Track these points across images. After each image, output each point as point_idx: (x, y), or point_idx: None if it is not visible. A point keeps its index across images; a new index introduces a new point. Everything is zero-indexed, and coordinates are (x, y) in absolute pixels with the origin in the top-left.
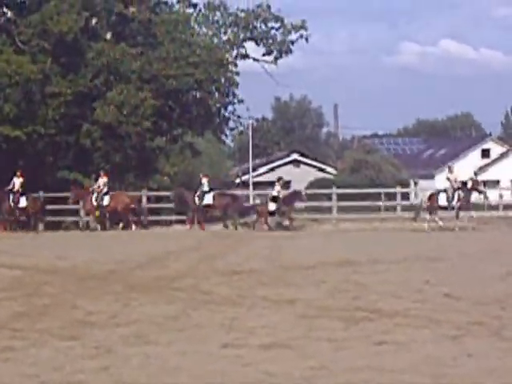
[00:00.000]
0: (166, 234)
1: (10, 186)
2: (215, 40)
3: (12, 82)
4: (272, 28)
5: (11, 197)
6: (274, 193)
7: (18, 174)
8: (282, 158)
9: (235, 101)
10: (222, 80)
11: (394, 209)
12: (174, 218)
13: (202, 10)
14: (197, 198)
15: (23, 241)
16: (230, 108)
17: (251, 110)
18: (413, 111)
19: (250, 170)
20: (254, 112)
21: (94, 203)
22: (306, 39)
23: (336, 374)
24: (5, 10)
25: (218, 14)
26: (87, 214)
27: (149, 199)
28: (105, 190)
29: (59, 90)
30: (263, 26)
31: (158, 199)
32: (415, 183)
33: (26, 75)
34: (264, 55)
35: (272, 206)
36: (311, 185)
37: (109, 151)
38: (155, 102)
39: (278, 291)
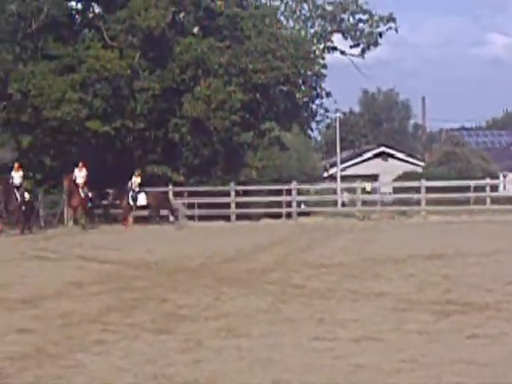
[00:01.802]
0: (254, 228)
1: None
2: (302, 33)
3: (101, 78)
4: (360, 20)
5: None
6: None
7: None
8: (369, 151)
9: (322, 94)
10: (309, 73)
11: (483, 201)
12: (262, 211)
13: (289, 3)
14: (131, 199)
15: (113, 235)
16: (317, 101)
17: (338, 103)
18: (501, 103)
19: (338, 163)
20: (341, 105)
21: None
22: (396, 30)
23: (427, 367)
24: (93, 5)
25: (305, 6)
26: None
27: (238, 193)
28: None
29: (147, 85)
30: (351, 19)
31: (246, 193)
32: (504, 176)
33: (114, 70)
34: (351, 48)
35: None
36: (400, 178)
37: (197, 145)
38: (243, 96)
39: (367, 284)
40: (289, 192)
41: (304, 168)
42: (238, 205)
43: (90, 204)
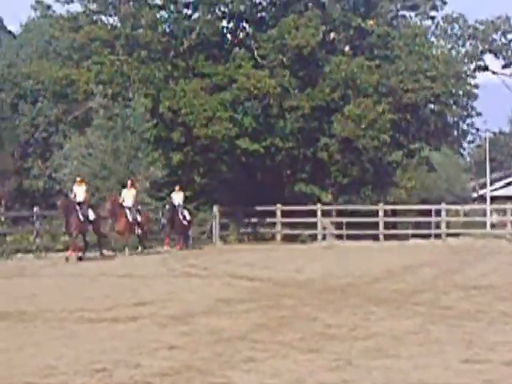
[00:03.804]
0: (402, 248)
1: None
2: (453, 53)
3: (251, 96)
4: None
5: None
6: None
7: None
8: None
9: (473, 114)
10: (460, 93)
11: None
12: (410, 231)
13: (441, 23)
14: (181, 216)
15: (261, 253)
16: (467, 121)
17: (488, 123)
18: None
19: (488, 184)
20: (491, 125)
21: None
22: None
23: None
24: (244, 25)
25: (456, 26)
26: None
27: (386, 213)
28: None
29: (297, 104)
30: (502, 38)
31: (395, 213)
32: None
33: (264, 89)
34: (503, 68)
35: None
36: None
37: (346, 165)
38: (392, 115)
39: None
40: (438, 213)
41: (453, 188)
42: (387, 224)
43: (138, 231)
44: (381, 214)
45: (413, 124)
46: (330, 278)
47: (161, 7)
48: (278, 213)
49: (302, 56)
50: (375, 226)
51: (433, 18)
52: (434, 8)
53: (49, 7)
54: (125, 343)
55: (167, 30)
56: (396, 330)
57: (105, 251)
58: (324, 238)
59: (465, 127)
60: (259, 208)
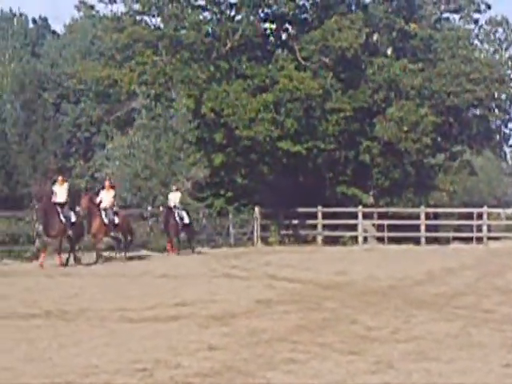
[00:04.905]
0: (444, 252)
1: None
2: (496, 56)
3: (293, 98)
4: None
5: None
6: None
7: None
8: None
9: None
10: (503, 97)
11: None
12: (451, 235)
13: (484, 26)
14: (178, 217)
15: (302, 255)
16: (510, 125)
17: None
18: None
19: None
20: None
21: None
22: None
23: None
24: (287, 26)
25: (499, 30)
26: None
27: (427, 216)
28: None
29: (339, 106)
30: None
31: (436, 216)
32: None
33: (307, 91)
34: None
35: None
36: None
37: (387, 167)
38: (435, 118)
39: None
40: (480, 216)
41: (495, 192)
42: (428, 227)
43: (113, 233)
44: (422, 216)
45: (455, 127)
46: (372, 280)
47: (204, 8)
48: (319, 215)
49: (344, 58)
50: (417, 228)
51: (476, 21)
52: (478, 11)
53: (92, 7)
54: (165, 343)
55: (210, 31)
56: (437, 333)
57: (144, 251)
58: (365, 240)
59: (507, 131)
60: (300, 210)
